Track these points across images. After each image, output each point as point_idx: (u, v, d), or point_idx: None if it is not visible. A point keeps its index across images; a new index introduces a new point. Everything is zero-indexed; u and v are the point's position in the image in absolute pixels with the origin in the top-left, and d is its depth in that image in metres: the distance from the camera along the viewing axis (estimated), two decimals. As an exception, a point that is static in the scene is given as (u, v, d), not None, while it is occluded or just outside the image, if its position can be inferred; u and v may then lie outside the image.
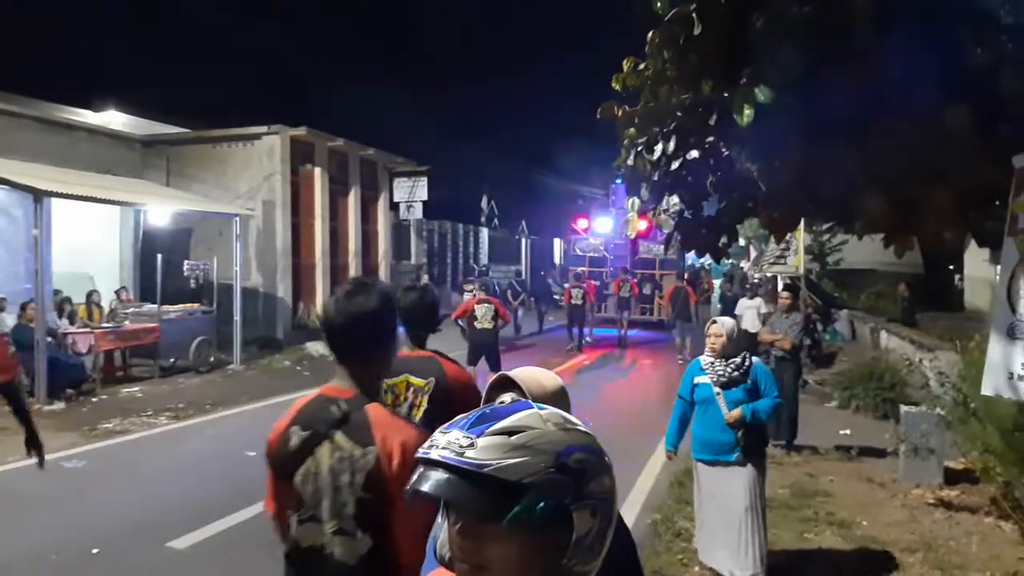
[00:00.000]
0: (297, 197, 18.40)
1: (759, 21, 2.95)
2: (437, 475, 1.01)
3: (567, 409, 1.88)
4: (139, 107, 19.87)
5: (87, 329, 12.05)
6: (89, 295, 13.38)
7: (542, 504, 1.00)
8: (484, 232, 33.63)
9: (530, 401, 1.16)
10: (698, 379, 4.81)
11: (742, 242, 25.31)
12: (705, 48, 3.00)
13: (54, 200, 11.41)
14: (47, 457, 5.29)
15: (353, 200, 20.83)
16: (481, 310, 11.75)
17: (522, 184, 41.32)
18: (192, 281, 15.50)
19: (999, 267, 3.09)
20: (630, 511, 6.18)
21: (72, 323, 12.51)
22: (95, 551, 5.37)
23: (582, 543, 1.04)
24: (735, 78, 3.00)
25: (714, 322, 4.86)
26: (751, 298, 13.85)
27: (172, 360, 13.50)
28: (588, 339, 18.90)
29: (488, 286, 17.88)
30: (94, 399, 10.98)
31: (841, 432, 8.85)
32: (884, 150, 3.19)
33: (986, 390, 3.10)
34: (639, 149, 3.64)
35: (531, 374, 2.01)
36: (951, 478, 6.88)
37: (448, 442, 1.03)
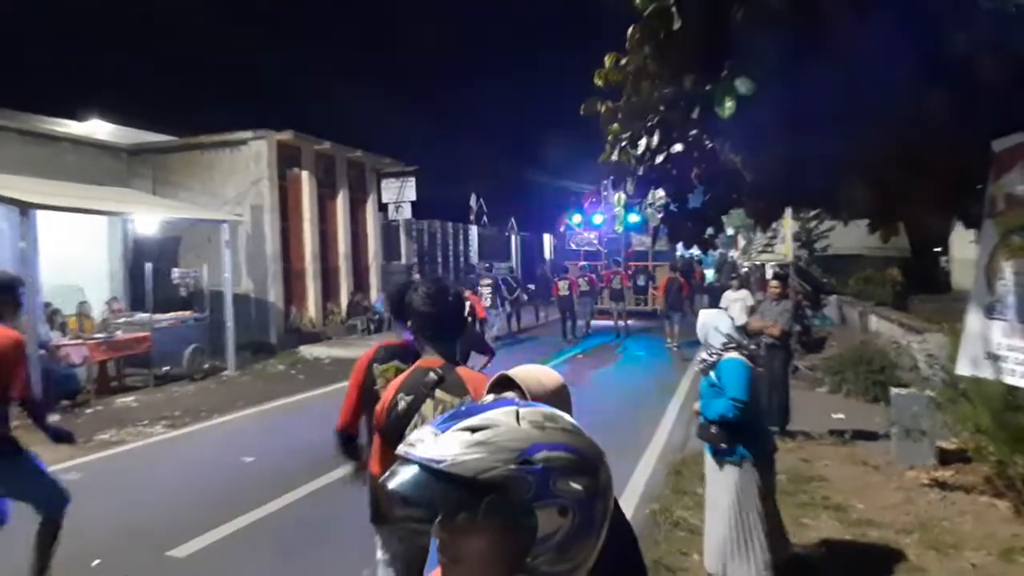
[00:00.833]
0: (285, 201, 18.37)
1: (738, 13, 2.98)
2: (404, 471, 1.03)
3: (567, 405, 1.90)
4: (123, 116, 19.82)
5: (79, 341, 12.01)
6: (80, 306, 13.34)
7: (500, 500, 1.00)
8: (473, 230, 33.60)
9: (514, 399, 1.17)
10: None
11: (731, 231, 25.40)
12: (685, 42, 3.02)
13: (40, 212, 11.36)
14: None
15: (342, 202, 20.81)
16: None
17: (510, 181, 41.42)
18: (183, 289, 15.46)
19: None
20: (628, 501, 6.22)
21: (64, 335, 12.46)
22: (95, 563, 5.37)
23: (548, 542, 1.03)
24: (716, 71, 3.03)
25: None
26: (736, 289, 13.44)
27: (166, 368, 13.47)
28: (584, 330, 19.28)
29: (494, 280, 19.12)
30: (89, 410, 10.94)
31: (834, 416, 8.92)
32: (865, 137, 3.22)
33: (962, 369, 3.14)
34: (623, 144, 3.67)
35: (531, 373, 2.01)
36: (944, 458, 6.95)
37: (417, 439, 1.05)
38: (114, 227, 16.45)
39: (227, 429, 9.89)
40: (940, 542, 5.21)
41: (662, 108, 3.48)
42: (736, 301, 12.68)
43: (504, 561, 1.04)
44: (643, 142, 3.55)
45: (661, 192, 3.84)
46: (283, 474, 7.33)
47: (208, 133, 18.03)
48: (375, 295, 21.92)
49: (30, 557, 4.50)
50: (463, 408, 1.11)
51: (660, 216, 3.93)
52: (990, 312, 2.92)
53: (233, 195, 17.41)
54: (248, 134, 17.53)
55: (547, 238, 40.77)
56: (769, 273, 13.13)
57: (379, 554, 3.23)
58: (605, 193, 5.13)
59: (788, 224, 13.06)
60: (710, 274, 25.15)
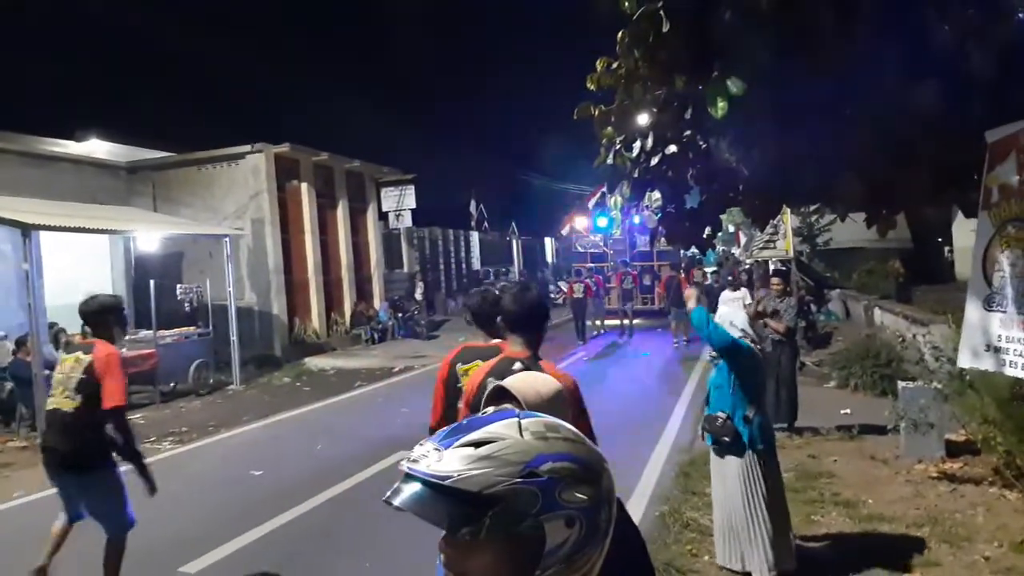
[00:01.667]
0: (285, 214, 18.41)
1: (726, 14, 2.98)
2: (407, 488, 1.02)
3: (564, 412, 1.90)
4: (121, 134, 19.85)
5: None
6: (83, 325, 13.35)
7: (506, 514, 1.00)
8: (475, 236, 33.64)
9: (514, 410, 1.16)
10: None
11: (731, 229, 25.52)
12: (674, 44, 3.03)
13: (43, 233, 11.40)
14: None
15: (341, 213, 20.85)
16: None
17: (510, 185, 41.40)
18: (186, 304, 15.49)
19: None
20: (637, 504, 6.21)
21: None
22: (106, 582, 5.36)
23: (556, 553, 1.03)
24: (706, 72, 3.03)
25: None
26: (735, 289, 13.12)
27: (172, 384, 13.49)
28: (595, 331, 19.73)
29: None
30: (96, 429, 10.95)
31: (841, 412, 8.89)
32: (858, 132, 3.23)
33: (963, 362, 3.14)
34: (618, 147, 3.67)
35: (528, 382, 2.01)
36: (952, 451, 6.92)
37: (420, 455, 1.04)
38: (116, 245, 16.50)
39: (234, 443, 9.90)
40: (952, 535, 5.18)
41: (655, 110, 3.48)
42: (734, 301, 12.29)
43: (513, 574, 1.03)
44: (637, 144, 3.56)
45: (657, 194, 3.84)
46: (292, 487, 7.33)
47: (206, 148, 18.09)
48: (378, 304, 21.95)
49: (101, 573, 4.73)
50: (464, 422, 1.11)
51: (657, 217, 3.93)
52: (989, 304, 2.91)
53: (233, 209, 17.46)
54: (246, 148, 17.58)
55: (548, 242, 40.77)
56: (771, 270, 13.10)
57: None
58: (610, 196, 5.14)
59: (788, 220, 13.04)
60: (709, 271, 25.31)
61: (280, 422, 11.14)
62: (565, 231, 34.00)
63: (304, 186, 19.16)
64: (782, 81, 2.97)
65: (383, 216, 22.79)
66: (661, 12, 2.90)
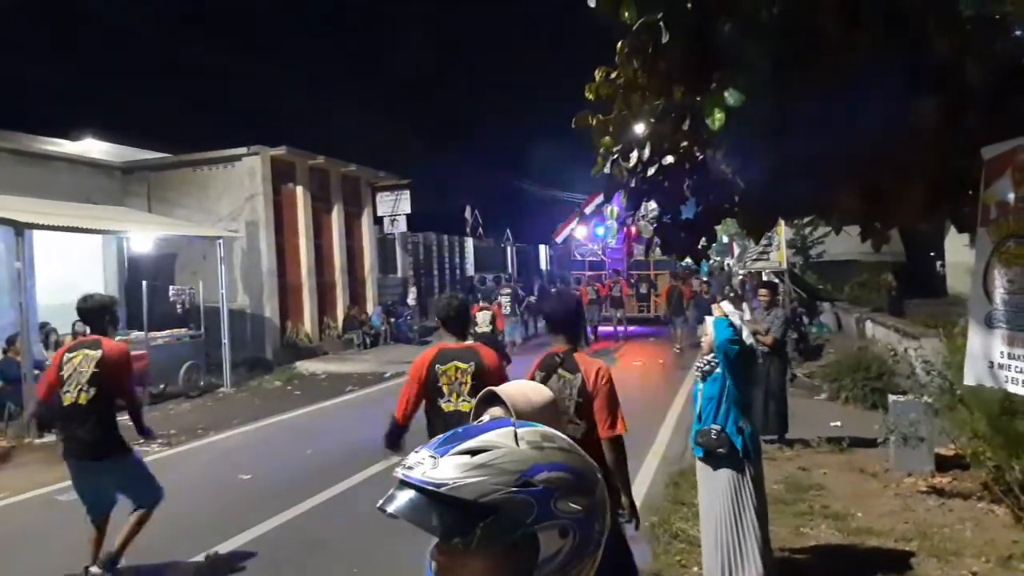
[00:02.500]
0: (280, 217, 18.39)
1: (726, 26, 2.99)
2: (402, 495, 1.02)
3: (556, 421, 1.90)
4: (117, 134, 19.84)
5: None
6: (73, 325, 13.29)
7: (501, 523, 1.00)
8: (469, 242, 33.63)
9: (510, 419, 1.16)
10: (695, 373, 4.88)
11: (725, 239, 25.68)
12: (673, 55, 3.03)
13: (36, 232, 11.36)
14: (40, 492, 5.28)
15: (336, 217, 20.84)
16: (481, 316, 12.68)
17: (505, 192, 41.50)
18: (178, 306, 15.45)
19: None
20: (627, 514, 6.19)
21: (59, 354, 12.42)
22: (92, 584, 5.32)
23: (550, 563, 1.03)
24: (705, 83, 3.04)
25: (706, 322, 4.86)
26: (736, 305, 13.06)
27: (162, 386, 13.44)
28: (591, 336, 20.00)
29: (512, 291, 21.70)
30: (84, 430, 10.89)
31: (832, 424, 8.91)
32: (855, 145, 3.24)
33: (968, 380, 3.14)
34: (615, 157, 3.68)
35: (520, 389, 2.01)
36: (942, 465, 6.94)
37: (416, 462, 1.04)
38: (109, 245, 16.44)
39: (224, 447, 9.85)
40: (940, 549, 5.19)
41: (652, 120, 3.49)
42: (732, 316, 12.30)
43: None
44: (634, 155, 3.57)
45: (654, 204, 3.85)
46: (281, 491, 7.30)
47: (202, 150, 18.07)
48: (371, 308, 21.91)
49: (121, 535, 5.15)
50: (460, 430, 1.10)
51: (653, 228, 3.94)
52: (990, 321, 2.91)
53: (228, 211, 17.43)
54: (242, 150, 17.57)
55: (543, 249, 40.81)
56: (760, 281, 13.11)
57: None
58: (608, 206, 5.17)
59: (782, 231, 13.09)
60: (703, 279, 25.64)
61: (270, 426, 11.10)
62: (560, 239, 34.08)
63: (299, 189, 19.15)
64: (780, 93, 2.98)
65: (378, 221, 22.78)
66: (661, 23, 2.90)
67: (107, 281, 16.58)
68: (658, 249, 4.23)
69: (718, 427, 4.50)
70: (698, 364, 4.79)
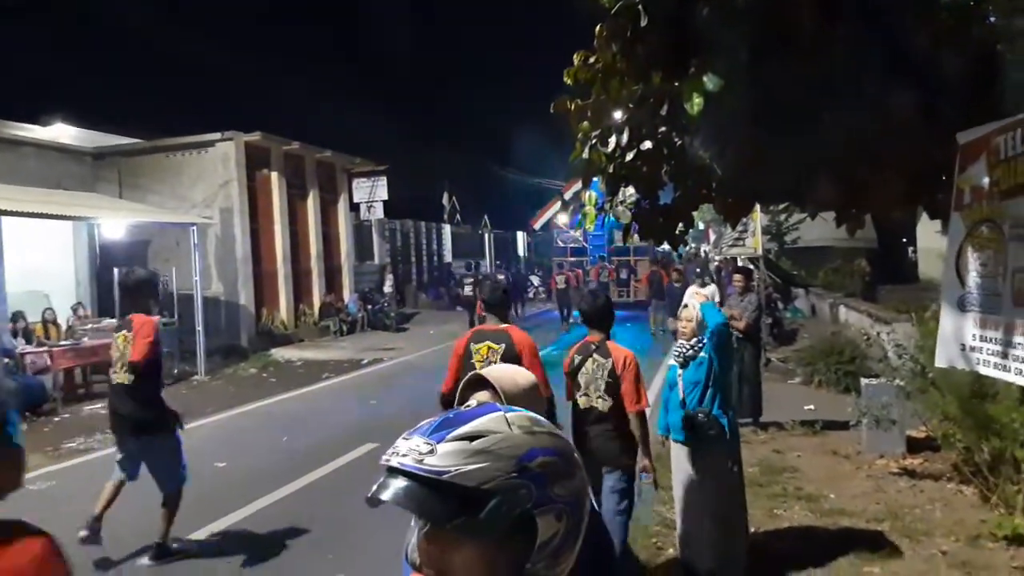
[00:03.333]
0: (255, 203, 18.20)
1: (704, 10, 3.00)
2: (397, 483, 1.01)
3: (540, 404, 1.91)
4: (88, 119, 19.47)
5: (44, 348, 11.80)
6: (43, 313, 13.09)
7: (503, 509, 0.99)
8: (447, 229, 33.55)
9: (497, 404, 1.16)
10: (669, 361, 4.85)
11: (701, 226, 25.93)
12: (652, 39, 3.04)
13: (4, 219, 11.15)
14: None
15: (312, 203, 20.66)
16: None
17: (483, 179, 41.32)
18: (151, 293, 15.24)
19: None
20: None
21: (29, 342, 12.23)
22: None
23: (546, 547, 1.03)
24: (683, 68, 3.04)
25: (686, 306, 4.70)
26: (702, 286, 12.63)
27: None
28: (574, 320, 20.37)
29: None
30: (56, 419, 10.75)
31: (805, 408, 9.02)
32: (831, 133, 3.26)
33: (940, 362, 3.19)
34: (593, 142, 3.67)
35: (506, 372, 2.01)
36: (913, 447, 7.06)
37: (409, 449, 1.02)
38: (80, 232, 16.17)
39: (198, 435, 9.74)
40: (911, 529, 5.29)
41: (631, 105, 3.49)
42: (700, 297, 11.96)
43: (502, 571, 1.03)
44: (613, 140, 3.56)
45: (631, 189, 3.85)
46: (256, 479, 7.26)
47: (175, 135, 17.80)
48: (347, 296, 21.80)
49: (159, 523, 5.41)
50: (451, 415, 1.09)
51: (631, 213, 3.95)
52: (962, 305, 2.96)
53: (201, 198, 17.21)
54: (216, 136, 17.33)
55: (520, 236, 40.79)
56: (735, 267, 13.17)
57: None
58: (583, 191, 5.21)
59: (758, 218, 13.16)
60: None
61: (246, 413, 11.02)
62: (538, 225, 34.16)
63: (274, 175, 18.95)
64: (758, 79, 3.00)
65: (354, 207, 22.62)
66: (639, 7, 2.90)
67: (78, 268, 16.32)
68: (636, 235, 4.24)
69: (706, 410, 4.51)
70: (677, 350, 4.75)
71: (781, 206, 15.93)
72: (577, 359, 4.57)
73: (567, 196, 27.04)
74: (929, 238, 14.39)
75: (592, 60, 3.52)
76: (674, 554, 5.01)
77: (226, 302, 16.95)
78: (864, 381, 7.42)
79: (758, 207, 11.72)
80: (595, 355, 4.48)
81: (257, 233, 18.23)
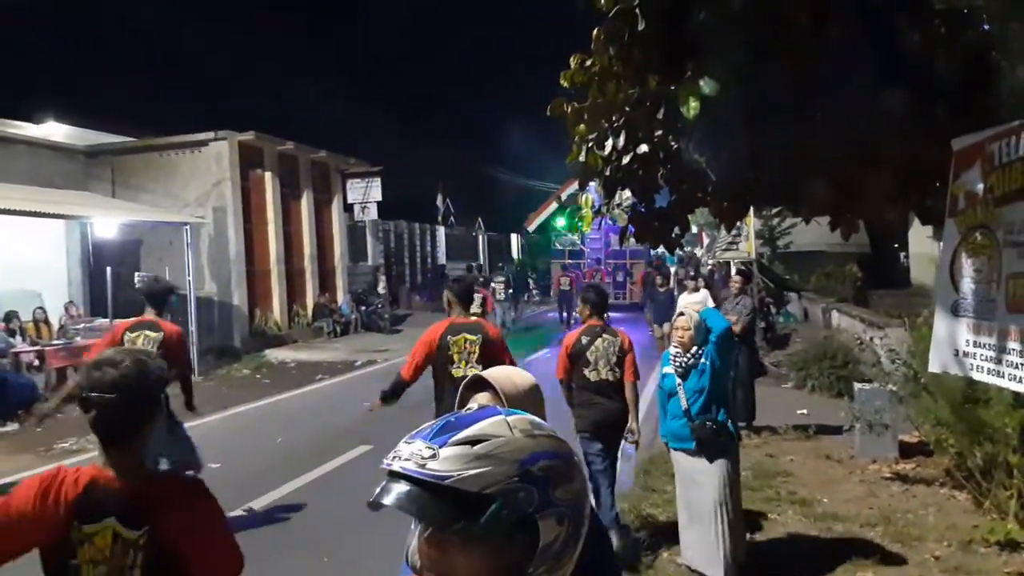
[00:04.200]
0: (248, 203, 18.14)
1: (700, 14, 3.00)
2: (399, 487, 1.00)
3: (540, 406, 1.90)
4: (81, 118, 19.39)
5: (37, 347, 11.74)
6: (34, 312, 13.02)
7: (506, 513, 0.99)
8: (441, 230, 33.50)
9: (498, 407, 1.15)
10: (665, 369, 4.75)
11: (694, 229, 26.05)
12: (649, 43, 3.04)
13: (-5, 217, 11.09)
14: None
15: (306, 204, 20.61)
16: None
17: (477, 181, 41.37)
18: (144, 293, 15.17)
19: (942, 244, 3.20)
20: (597, 501, 6.23)
21: (22, 341, 12.17)
22: None
23: (548, 551, 1.03)
24: (679, 71, 3.04)
25: (681, 314, 4.73)
26: (693, 291, 11.89)
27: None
28: (574, 322, 20.35)
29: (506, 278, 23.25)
30: (48, 418, 10.69)
31: (798, 412, 9.03)
32: (826, 135, 3.27)
33: (933, 367, 3.19)
34: (590, 145, 3.67)
35: (505, 373, 2.01)
36: (906, 452, 7.08)
37: (411, 453, 1.02)
38: (72, 231, 16.10)
39: (192, 436, 9.70)
40: (903, 534, 5.30)
41: (627, 109, 3.49)
42: (693, 306, 11.16)
43: (505, 574, 1.03)
44: (609, 143, 3.57)
45: (628, 193, 3.85)
46: (250, 480, 7.23)
47: (168, 134, 17.74)
48: (341, 297, 21.75)
49: None
50: (452, 419, 1.09)
51: (627, 216, 3.95)
52: (956, 310, 2.97)
53: (195, 197, 17.15)
54: (209, 135, 17.27)
55: (515, 237, 40.79)
56: (734, 271, 13.17)
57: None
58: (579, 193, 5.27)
59: (751, 222, 13.21)
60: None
61: (239, 414, 10.99)
62: (532, 227, 34.22)
63: (268, 175, 18.90)
64: (753, 82, 3.00)
65: (348, 208, 22.57)
66: (636, 10, 2.91)
67: (70, 267, 16.24)
68: (632, 238, 4.25)
69: (712, 418, 4.50)
70: (677, 360, 4.66)
71: (774, 210, 15.98)
72: (585, 340, 5.32)
73: (563, 196, 27.31)
74: (921, 243, 14.44)
75: (589, 63, 3.52)
76: (668, 557, 5.01)
77: (219, 302, 16.88)
78: (857, 386, 7.44)
79: (752, 210, 11.75)
80: (604, 335, 5.32)
81: (250, 233, 18.17)
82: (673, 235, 4.10)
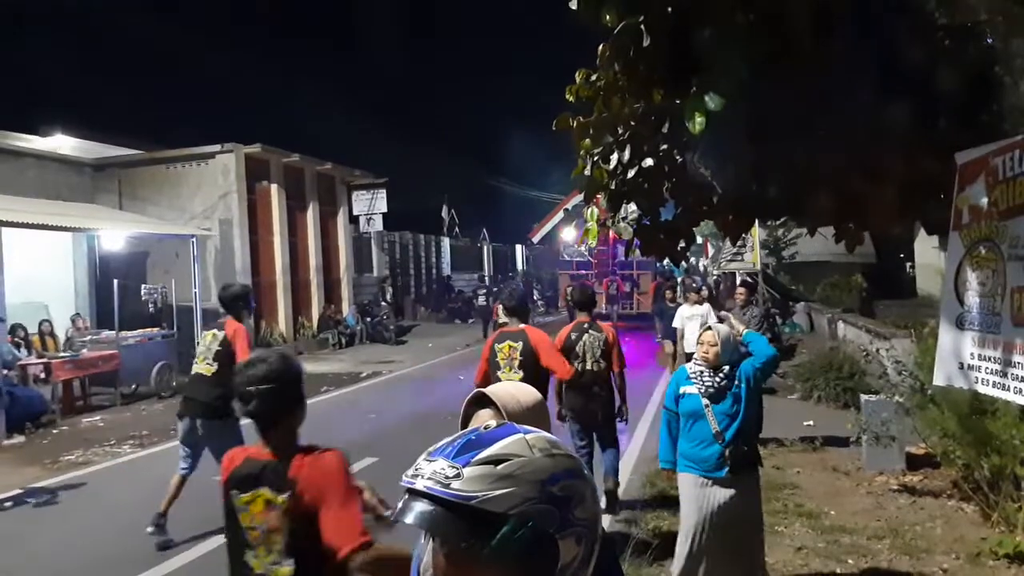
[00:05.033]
0: (254, 215, 18.23)
1: (705, 30, 3.02)
2: (422, 506, 1.01)
3: (546, 422, 1.91)
4: (88, 130, 19.51)
5: (44, 360, 11.78)
6: (40, 324, 13.07)
7: (528, 534, 1.00)
8: (446, 241, 33.59)
9: (515, 425, 1.16)
10: (685, 389, 4.33)
11: (699, 240, 26.15)
12: (654, 58, 3.06)
13: (3, 229, 11.16)
14: (6, 495, 5.21)
15: (311, 215, 20.70)
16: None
17: (482, 192, 41.46)
18: (150, 305, 15.24)
19: (945, 255, 3.21)
20: (603, 515, 6.22)
21: (28, 353, 12.22)
22: (64, 587, 5.26)
23: (567, 570, 1.04)
24: (684, 86, 3.07)
25: (708, 328, 4.38)
26: (695, 303, 11.04)
27: (133, 387, 13.25)
28: None
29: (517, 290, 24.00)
30: (54, 431, 10.73)
31: (805, 423, 9.01)
32: (829, 148, 3.29)
33: (939, 380, 3.20)
34: (595, 159, 3.70)
35: (508, 390, 2.02)
36: (913, 463, 7.06)
37: (433, 472, 1.03)
38: (79, 243, 16.19)
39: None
40: (911, 547, 5.28)
41: (632, 123, 3.51)
42: (693, 319, 10.17)
43: None
44: (615, 157, 3.59)
45: (633, 206, 3.87)
46: (256, 492, 7.23)
47: (175, 147, 17.85)
48: (346, 308, 21.79)
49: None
50: (473, 437, 1.10)
51: (633, 230, 3.97)
52: (961, 324, 2.97)
53: (201, 209, 17.24)
54: (215, 148, 17.38)
55: (519, 248, 40.84)
56: (739, 282, 13.15)
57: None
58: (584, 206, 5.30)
59: (756, 233, 13.22)
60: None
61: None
62: (536, 238, 34.32)
63: (274, 187, 18.99)
64: (757, 96, 3.02)
65: (354, 220, 22.66)
66: (642, 26, 2.93)
67: (77, 279, 16.32)
68: (637, 250, 4.25)
69: (747, 442, 4.28)
70: (701, 377, 4.28)
71: (779, 221, 15.99)
72: (573, 336, 6.10)
73: (569, 207, 27.65)
74: (927, 254, 14.44)
75: (594, 78, 3.55)
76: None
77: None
78: (864, 397, 7.42)
79: (756, 222, 11.75)
80: (590, 331, 6.11)
81: (256, 245, 18.25)
82: (679, 248, 4.12)
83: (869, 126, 3.17)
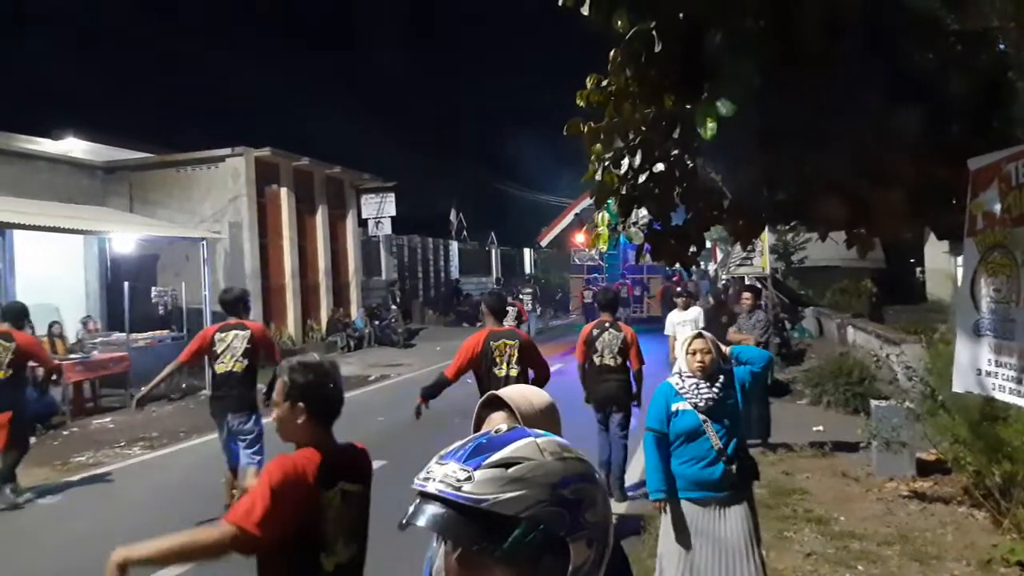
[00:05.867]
0: (264, 218, 18.29)
1: (716, 36, 3.03)
2: (433, 509, 1.02)
3: (557, 425, 1.93)
4: (99, 134, 19.61)
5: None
6: (50, 327, 13.14)
7: (539, 537, 1.01)
8: (454, 245, 33.62)
9: (525, 428, 1.17)
10: (677, 406, 3.97)
11: (708, 244, 26.11)
12: (666, 64, 3.07)
13: (16, 232, 11.23)
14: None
15: (321, 219, 20.75)
16: (510, 310, 14.58)
17: (490, 196, 41.49)
18: (160, 307, 15.30)
19: (958, 260, 3.21)
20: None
21: (38, 356, 12.25)
22: (74, 589, 5.28)
23: (577, 574, 1.04)
24: (695, 92, 3.07)
25: (699, 335, 4.06)
26: (684, 308, 10.55)
27: (143, 388, 13.26)
28: None
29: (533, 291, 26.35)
30: (65, 432, 10.78)
31: (814, 429, 8.98)
32: (840, 154, 3.29)
33: (957, 388, 3.18)
34: (606, 164, 3.70)
35: (521, 392, 2.03)
36: (923, 469, 7.02)
37: (445, 475, 1.03)
38: (90, 246, 16.27)
39: (206, 450, 9.75)
40: (921, 553, 5.25)
41: (643, 128, 3.52)
42: (684, 325, 9.73)
43: None
44: (625, 162, 3.60)
45: (644, 211, 3.87)
46: (265, 495, 7.25)
47: (185, 150, 17.93)
48: (355, 311, 21.83)
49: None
50: (483, 440, 1.10)
51: (644, 235, 3.97)
52: (977, 330, 2.96)
53: (211, 212, 17.31)
54: (226, 151, 17.46)
55: (527, 252, 40.85)
56: (745, 285, 13.10)
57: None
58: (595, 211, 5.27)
59: (765, 237, 13.17)
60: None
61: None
62: (544, 242, 34.37)
63: (283, 191, 19.06)
64: (768, 102, 3.02)
65: (363, 223, 22.71)
66: (653, 32, 2.94)
67: (88, 282, 16.40)
68: (648, 255, 4.26)
69: (745, 452, 4.09)
70: (695, 391, 3.96)
71: (788, 225, 15.93)
72: (595, 332, 6.94)
73: (578, 210, 28.11)
74: (937, 259, 14.37)
75: (605, 83, 3.56)
76: None
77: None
78: (874, 403, 7.39)
79: (766, 227, 11.69)
80: (610, 329, 6.90)
81: (266, 248, 18.31)
82: (689, 253, 4.12)
83: (879, 131, 3.17)
